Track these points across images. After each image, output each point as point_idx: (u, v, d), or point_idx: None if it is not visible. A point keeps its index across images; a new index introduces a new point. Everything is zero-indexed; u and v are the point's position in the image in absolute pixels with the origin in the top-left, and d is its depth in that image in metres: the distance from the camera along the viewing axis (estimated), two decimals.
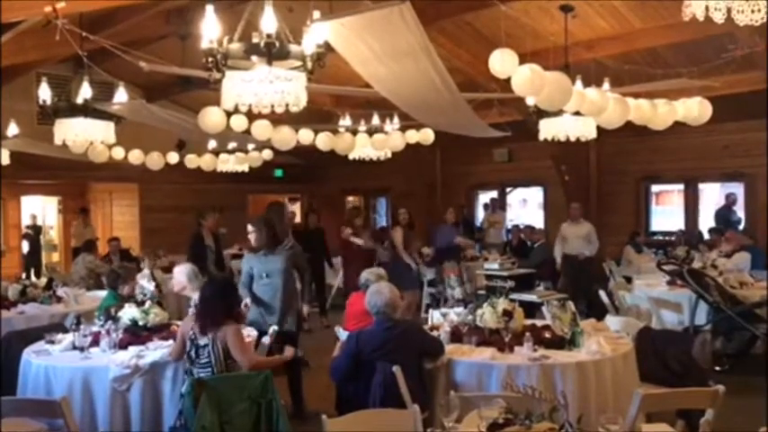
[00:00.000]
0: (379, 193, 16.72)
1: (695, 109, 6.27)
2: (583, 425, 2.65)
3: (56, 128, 6.09)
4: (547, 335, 4.53)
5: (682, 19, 3.08)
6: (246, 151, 10.03)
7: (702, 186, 12.52)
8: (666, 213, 13.44)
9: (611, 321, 5.26)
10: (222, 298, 4.12)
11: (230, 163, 10.29)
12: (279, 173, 15.73)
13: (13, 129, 7.65)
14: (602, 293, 7.37)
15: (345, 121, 8.41)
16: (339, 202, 16.79)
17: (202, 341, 3.99)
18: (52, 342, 4.55)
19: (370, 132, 8.51)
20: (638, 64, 7.48)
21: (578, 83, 5.68)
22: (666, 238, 11.89)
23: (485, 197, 15.00)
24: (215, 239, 8.56)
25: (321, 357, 5.86)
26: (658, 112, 6.21)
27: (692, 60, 7.53)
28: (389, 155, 9.15)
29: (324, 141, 8.34)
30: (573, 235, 10.17)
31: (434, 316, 5.34)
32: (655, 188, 13.05)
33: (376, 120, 8.44)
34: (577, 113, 5.90)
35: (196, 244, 8.41)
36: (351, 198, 18.00)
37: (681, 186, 12.57)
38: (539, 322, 4.98)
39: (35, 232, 15.41)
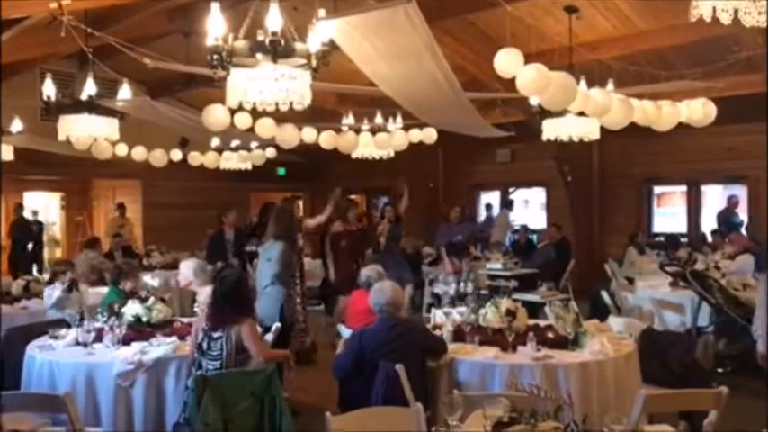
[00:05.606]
0: (381, 193, 16.70)
1: (699, 110, 6.27)
2: (588, 424, 2.65)
3: (59, 124, 6.09)
4: (550, 335, 4.53)
5: (686, 20, 3.09)
6: (249, 149, 10.04)
7: (705, 188, 12.48)
8: (669, 215, 13.41)
9: (614, 322, 5.26)
10: (234, 297, 4.10)
11: (233, 161, 10.31)
12: (281, 171, 15.72)
13: (17, 125, 7.66)
14: (604, 294, 7.37)
15: (348, 120, 8.41)
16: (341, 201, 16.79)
17: (216, 333, 4.00)
18: (56, 337, 4.57)
19: (374, 131, 8.51)
20: (642, 65, 7.48)
21: (582, 83, 5.68)
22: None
23: (486, 197, 14.99)
24: (236, 234, 8.87)
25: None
26: (662, 114, 6.21)
27: (695, 62, 7.53)
28: (392, 154, 9.15)
29: (327, 140, 8.35)
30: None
31: (437, 315, 5.34)
32: (657, 190, 13.03)
33: (379, 119, 8.43)
34: (581, 114, 5.90)
35: (215, 242, 8.69)
36: (353, 196, 17.96)
37: (683, 188, 12.54)
38: (542, 322, 4.99)
39: (37, 228, 15.40)
